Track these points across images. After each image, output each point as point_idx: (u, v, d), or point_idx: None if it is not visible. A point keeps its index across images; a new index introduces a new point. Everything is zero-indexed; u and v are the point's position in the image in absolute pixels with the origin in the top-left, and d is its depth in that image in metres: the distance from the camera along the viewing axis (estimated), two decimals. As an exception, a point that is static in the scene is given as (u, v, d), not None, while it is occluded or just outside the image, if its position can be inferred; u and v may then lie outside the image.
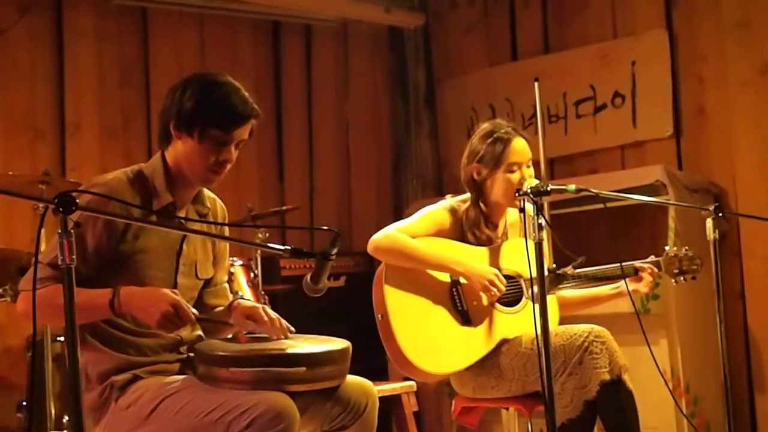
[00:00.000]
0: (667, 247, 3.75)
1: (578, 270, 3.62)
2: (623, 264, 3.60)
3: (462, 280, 3.58)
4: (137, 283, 2.70)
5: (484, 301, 3.56)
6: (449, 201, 3.74)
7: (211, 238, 3.00)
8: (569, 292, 3.75)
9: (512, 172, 3.59)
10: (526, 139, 3.66)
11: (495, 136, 3.63)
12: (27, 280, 2.68)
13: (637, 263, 3.69)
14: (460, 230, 3.67)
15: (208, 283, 3.03)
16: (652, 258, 3.70)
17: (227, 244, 3.13)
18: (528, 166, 3.62)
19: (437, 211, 3.68)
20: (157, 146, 2.91)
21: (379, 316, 3.53)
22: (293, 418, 2.52)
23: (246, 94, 2.81)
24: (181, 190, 2.87)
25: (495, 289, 3.51)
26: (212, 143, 2.77)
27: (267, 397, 2.52)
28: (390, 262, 3.57)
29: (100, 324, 2.74)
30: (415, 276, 3.57)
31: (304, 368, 2.61)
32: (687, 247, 3.72)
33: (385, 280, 3.54)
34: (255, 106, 2.81)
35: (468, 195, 3.71)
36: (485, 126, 3.70)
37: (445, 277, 3.59)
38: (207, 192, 3.02)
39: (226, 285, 3.13)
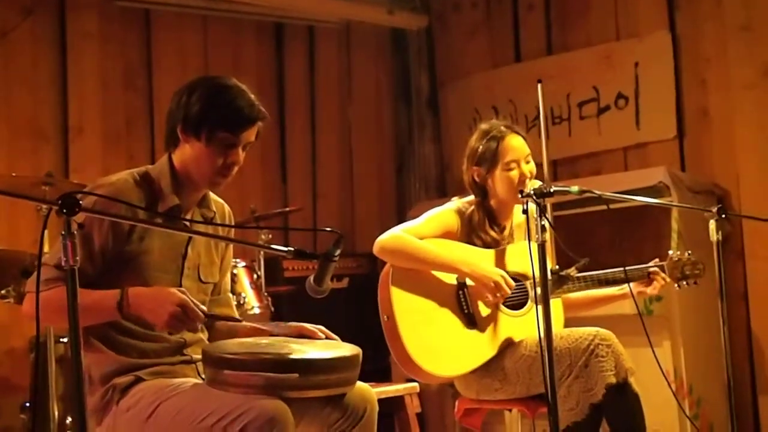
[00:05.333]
0: (670, 252, 3.73)
1: (582, 273, 3.61)
2: (627, 268, 3.60)
3: (468, 282, 3.56)
4: (142, 285, 2.70)
5: (490, 301, 3.54)
6: (456, 203, 3.72)
7: (217, 244, 3.00)
8: (573, 294, 3.75)
9: (510, 169, 3.59)
10: (522, 136, 3.66)
11: (490, 135, 3.63)
12: (33, 281, 2.67)
13: (642, 267, 3.68)
14: (468, 232, 3.66)
15: (213, 289, 3.03)
16: (655, 261, 3.69)
17: (232, 251, 3.13)
18: (527, 162, 3.61)
19: (445, 213, 3.67)
20: (160, 148, 2.92)
21: (385, 317, 3.52)
22: (286, 423, 2.50)
23: (252, 96, 2.83)
24: (187, 193, 2.88)
25: (501, 291, 3.50)
26: (220, 146, 2.78)
27: (260, 403, 2.50)
28: (395, 263, 3.56)
29: (104, 327, 2.74)
30: (421, 277, 3.56)
31: (296, 375, 2.57)
32: (690, 252, 3.71)
33: (392, 281, 3.53)
34: (262, 109, 2.83)
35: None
36: (481, 127, 3.71)
37: (451, 279, 3.59)
38: (213, 196, 3.02)
39: (230, 295, 3.13)
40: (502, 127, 3.65)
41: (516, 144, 3.61)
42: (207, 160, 2.80)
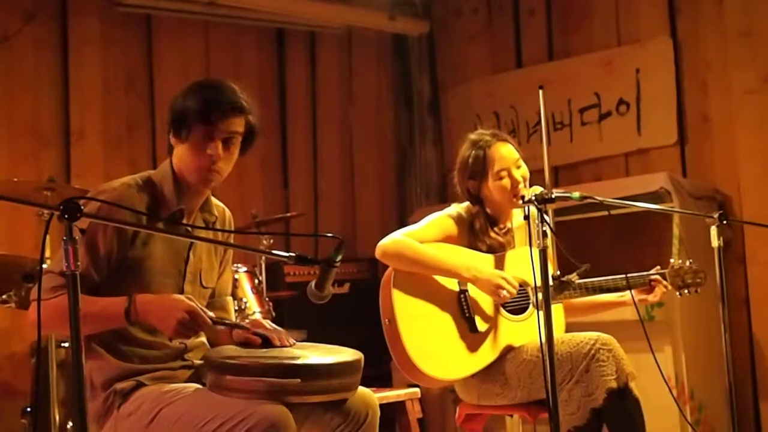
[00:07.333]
0: (672, 260, 3.73)
1: (583, 279, 3.60)
2: (628, 276, 3.60)
3: (470, 286, 3.57)
4: (145, 290, 2.70)
5: (491, 305, 3.55)
6: (456, 208, 3.74)
7: (217, 248, 2.99)
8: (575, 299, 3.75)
9: (501, 178, 3.62)
10: (509, 142, 3.67)
11: (477, 146, 3.66)
12: (41, 290, 2.67)
13: (643, 274, 3.68)
14: (469, 237, 3.68)
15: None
16: (657, 269, 3.69)
17: (231, 257, 3.13)
18: (518, 167, 3.63)
19: (446, 218, 3.69)
20: (161, 153, 2.93)
21: (387, 320, 3.53)
22: (288, 428, 2.50)
23: (236, 90, 2.81)
24: (188, 197, 2.87)
25: (505, 291, 3.50)
26: (198, 139, 2.77)
27: (262, 408, 2.50)
28: (397, 267, 3.57)
29: (106, 334, 2.74)
30: (423, 281, 3.57)
31: (299, 380, 2.57)
32: (691, 260, 3.71)
33: (394, 285, 3.54)
34: (240, 101, 2.80)
35: (473, 202, 3.73)
36: (470, 137, 3.74)
37: (453, 284, 3.59)
38: (215, 200, 3.02)
39: (228, 298, 3.11)
40: (487, 137, 3.68)
41: (504, 152, 3.64)
42: (190, 156, 2.79)
